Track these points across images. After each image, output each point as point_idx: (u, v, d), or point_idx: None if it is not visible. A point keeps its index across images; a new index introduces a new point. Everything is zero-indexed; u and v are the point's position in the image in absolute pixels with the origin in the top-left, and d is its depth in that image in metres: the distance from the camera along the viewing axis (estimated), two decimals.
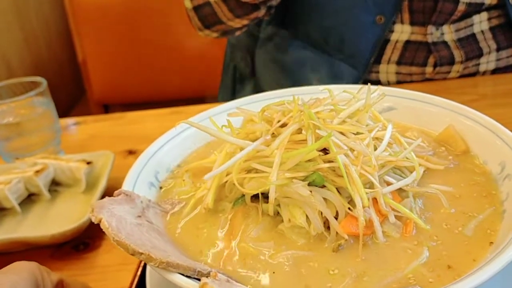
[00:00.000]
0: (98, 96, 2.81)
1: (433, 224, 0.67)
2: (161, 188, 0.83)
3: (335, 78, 1.35)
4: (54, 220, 1.06)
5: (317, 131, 0.70)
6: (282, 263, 0.64)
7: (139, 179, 0.79)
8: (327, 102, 0.80)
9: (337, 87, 0.86)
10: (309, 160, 0.70)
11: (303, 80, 1.38)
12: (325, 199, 0.67)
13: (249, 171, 0.75)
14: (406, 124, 0.91)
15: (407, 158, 0.73)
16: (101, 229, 1.03)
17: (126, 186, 0.76)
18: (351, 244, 0.66)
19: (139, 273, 0.92)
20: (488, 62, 1.38)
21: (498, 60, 1.39)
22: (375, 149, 0.72)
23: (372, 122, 0.78)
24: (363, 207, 0.64)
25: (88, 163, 1.12)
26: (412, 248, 0.64)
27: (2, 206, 1.07)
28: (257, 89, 1.61)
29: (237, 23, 1.40)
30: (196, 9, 1.41)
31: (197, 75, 2.57)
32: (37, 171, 1.09)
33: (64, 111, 1.17)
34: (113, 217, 0.64)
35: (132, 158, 1.33)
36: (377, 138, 0.75)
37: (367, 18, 1.32)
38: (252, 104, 0.95)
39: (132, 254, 0.59)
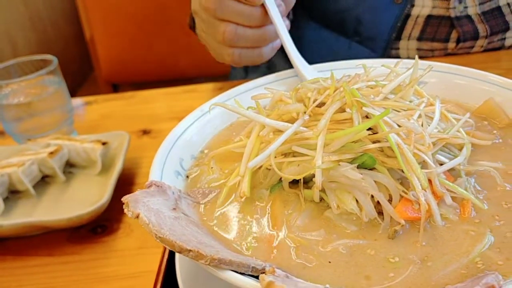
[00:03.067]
0: (106, 74, 2.71)
1: (491, 203, 0.63)
2: (187, 177, 0.77)
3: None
4: (69, 203, 1.01)
5: (363, 109, 0.65)
6: (337, 253, 0.59)
7: (165, 168, 0.73)
8: (364, 78, 0.74)
9: (373, 61, 0.81)
10: (354, 141, 0.65)
11: (318, 62, 1.32)
12: (375, 182, 0.63)
13: (286, 154, 0.70)
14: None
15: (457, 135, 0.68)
16: (119, 212, 0.99)
17: (153, 176, 0.70)
18: (407, 230, 0.61)
19: (166, 257, 0.88)
20: None
21: None
22: (422, 125, 0.67)
23: (415, 97, 0.73)
24: (422, 189, 0.60)
25: (104, 143, 1.06)
26: (474, 230, 0.60)
27: (16, 189, 1.02)
28: (271, 69, 1.54)
29: None
30: None
31: (208, 53, 2.48)
32: (51, 153, 1.03)
33: (71, 91, 1.13)
34: (151, 211, 0.58)
35: (146, 138, 1.27)
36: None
37: None
38: (276, 82, 0.90)
39: (179, 252, 0.53)
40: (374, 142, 0.64)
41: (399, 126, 0.64)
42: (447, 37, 1.29)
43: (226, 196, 0.71)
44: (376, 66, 0.77)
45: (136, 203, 0.59)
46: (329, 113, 0.65)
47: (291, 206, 0.68)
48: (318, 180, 0.63)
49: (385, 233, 0.61)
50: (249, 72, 1.69)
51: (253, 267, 0.53)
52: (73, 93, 1.28)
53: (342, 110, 0.68)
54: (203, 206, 0.70)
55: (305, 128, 0.68)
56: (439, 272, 0.55)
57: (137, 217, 0.57)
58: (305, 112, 0.70)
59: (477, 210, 0.62)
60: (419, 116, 0.68)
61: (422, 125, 0.65)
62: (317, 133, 0.63)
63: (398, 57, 1.36)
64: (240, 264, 0.53)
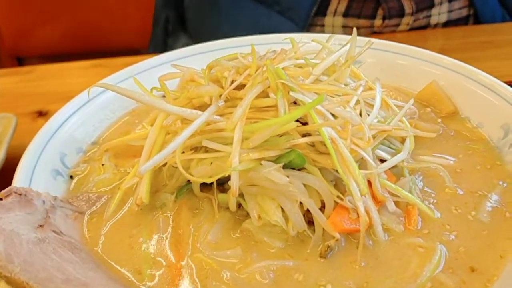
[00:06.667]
0: (9, 46, 2.37)
1: (440, 208, 0.53)
2: (71, 177, 0.61)
3: (273, 32, 1.17)
4: None
5: (290, 93, 0.52)
6: (256, 280, 0.46)
7: (37, 168, 0.57)
8: (292, 55, 0.61)
9: (302, 35, 0.68)
10: (280, 135, 0.52)
11: (236, 33, 1.19)
12: (305, 186, 0.50)
13: (196, 149, 0.56)
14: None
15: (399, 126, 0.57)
16: None
17: (18, 181, 0.53)
18: (342, 246, 0.50)
19: None
20: (440, 13, 1.29)
21: (450, 11, 1.29)
22: (361, 114, 0.55)
23: (351, 80, 0.61)
24: (361, 195, 0.48)
25: None
26: (422, 245, 0.49)
27: None
28: (192, 44, 1.40)
29: None
30: None
31: (126, 24, 2.22)
32: None
33: None
34: (1, 234, 0.42)
35: (42, 121, 1.07)
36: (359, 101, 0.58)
37: None
38: (190, 57, 0.75)
39: None
40: (303, 136, 0.52)
41: (333, 116, 0.52)
42: (373, 14, 1.24)
43: (120, 203, 0.56)
44: (306, 41, 0.64)
45: None
46: (248, 99, 0.51)
47: (202, 215, 0.54)
48: (234, 184, 0.49)
49: (316, 250, 0.49)
50: (168, 47, 1.53)
51: None
52: None
53: (265, 94, 0.54)
54: (87, 217, 0.54)
55: (219, 117, 0.54)
56: None
57: None
58: (220, 96, 0.56)
59: (425, 218, 0.52)
60: (357, 102, 0.56)
61: (360, 114, 0.53)
62: (232, 125, 0.49)
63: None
64: None
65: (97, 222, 0.54)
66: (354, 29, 0.61)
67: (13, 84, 1.31)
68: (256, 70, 0.57)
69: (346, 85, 0.59)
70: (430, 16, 1.30)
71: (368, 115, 0.55)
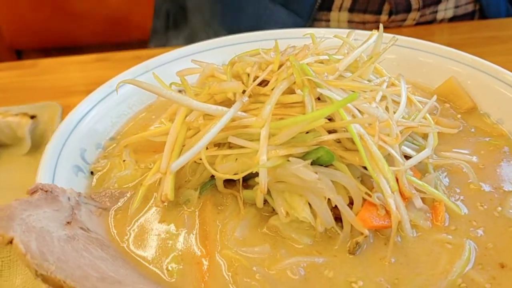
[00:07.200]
0: (9, 38, 2.33)
1: (465, 205, 0.53)
2: (92, 173, 0.60)
3: (275, 25, 1.16)
4: None
5: (317, 90, 0.51)
6: (286, 277, 0.46)
7: (59, 164, 0.56)
8: (313, 51, 0.61)
9: (323, 30, 0.68)
10: (307, 131, 0.51)
11: (239, 26, 1.18)
12: (332, 182, 0.50)
13: (219, 145, 0.56)
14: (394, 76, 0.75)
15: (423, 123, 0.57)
16: None
17: (42, 177, 0.53)
18: (370, 242, 0.50)
19: None
20: (446, 9, 1.28)
21: (456, 7, 1.29)
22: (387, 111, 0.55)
23: (373, 76, 0.61)
24: (391, 192, 0.48)
25: (32, 117, 0.85)
26: (450, 242, 0.49)
27: None
28: (193, 37, 1.38)
29: None
30: None
31: (126, 16, 2.19)
32: None
33: None
34: (31, 232, 0.42)
35: None
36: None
37: None
38: (206, 52, 0.74)
39: None
40: (329, 132, 0.51)
41: (360, 112, 0.52)
42: (379, 9, 1.23)
43: (143, 199, 0.55)
44: (328, 36, 0.64)
45: (9, 221, 0.42)
46: (275, 96, 0.51)
47: (227, 212, 0.54)
48: (262, 181, 0.49)
49: (344, 246, 0.49)
50: (169, 40, 1.52)
51: None
52: None
53: (290, 91, 0.54)
54: (112, 214, 0.54)
55: (244, 113, 0.53)
56: None
57: (11, 243, 0.40)
58: (243, 92, 0.55)
59: (451, 214, 0.52)
60: (381, 99, 0.56)
61: (387, 111, 0.53)
62: (263, 122, 0.49)
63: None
64: None
65: (121, 218, 0.53)
66: (381, 26, 0.60)
67: (15, 78, 1.30)
68: (279, 67, 0.57)
69: (369, 81, 0.59)
70: (436, 11, 1.29)
71: (394, 111, 0.55)
